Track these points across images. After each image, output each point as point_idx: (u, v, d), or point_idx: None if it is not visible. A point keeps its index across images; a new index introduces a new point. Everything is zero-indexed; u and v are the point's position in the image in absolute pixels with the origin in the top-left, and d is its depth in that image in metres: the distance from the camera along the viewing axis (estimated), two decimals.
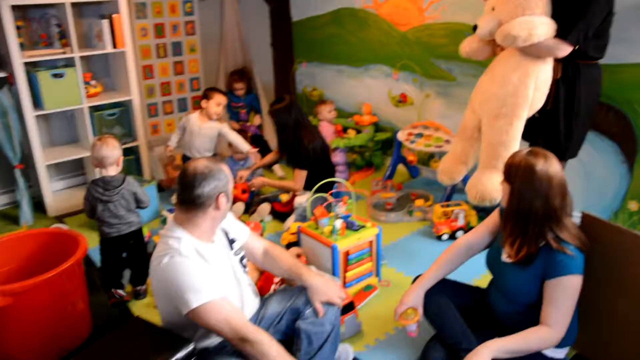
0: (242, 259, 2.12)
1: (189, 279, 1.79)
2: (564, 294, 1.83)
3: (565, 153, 2.77)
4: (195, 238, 1.90)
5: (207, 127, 3.82)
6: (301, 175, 3.49)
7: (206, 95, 3.79)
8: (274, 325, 2.10)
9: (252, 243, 2.24)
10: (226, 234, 2.10)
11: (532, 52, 2.56)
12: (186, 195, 1.87)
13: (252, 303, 2.10)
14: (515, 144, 2.70)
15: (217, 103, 3.76)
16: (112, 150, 2.65)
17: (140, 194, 2.75)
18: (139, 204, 2.78)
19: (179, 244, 1.85)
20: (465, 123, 2.98)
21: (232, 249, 2.09)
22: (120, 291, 2.75)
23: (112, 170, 2.68)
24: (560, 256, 1.82)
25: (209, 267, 1.87)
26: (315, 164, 3.50)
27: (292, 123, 3.47)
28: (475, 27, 2.71)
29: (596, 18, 2.51)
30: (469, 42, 2.90)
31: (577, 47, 2.51)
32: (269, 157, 3.96)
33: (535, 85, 2.62)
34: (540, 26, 2.44)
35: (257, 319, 2.10)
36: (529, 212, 1.85)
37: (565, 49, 2.50)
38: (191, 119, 3.83)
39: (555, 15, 2.50)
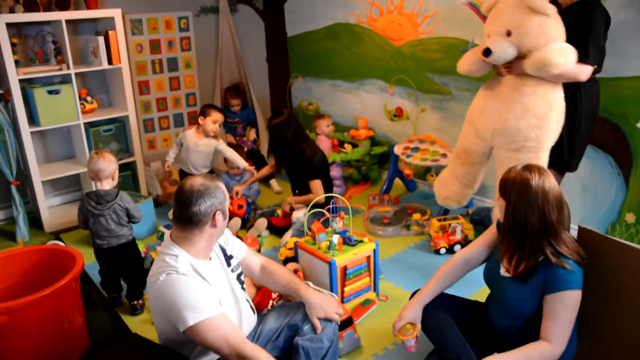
0: (239, 275, 2.11)
1: (186, 297, 1.78)
2: (564, 308, 1.82)
3: (568, 167, 2.79)
4: (191, 256, 1.89)
5: (203, 144, 3.82)
6: (318, 184, 3.49)
7: (203, 112, 3.80)
8: (272, 342, 2.08)
9: (250, 259, 2.23)
10: (223, 251, 2.09)
11: (553, 78, 2.55)
12: (183, 212, 1.86)
13: (249, 319, 2.09)
14: None
15: (214, 120, 3.76)
16: (108, 164, 2.69)
17: (132, 209, 2.77)
18: (131, 219, 2.79)
19: (176, 261, 1.84)
20: (469, 148, 2.94)
21: (229, 265, 2.07)
22: (118, 294, 2.89)
23: (107, 184, 2.71)
24: (560, 271, 1.82)
25: (206, 284, 1.86)
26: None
27: (292, 136, 3.47)
28: (487, 51, 2.62)
29: (601, 35, 2.55)
30: (471, 61, 2.84)
31: (595, 67, 2.54)
32: (265, 171, 3.97)
33: (557, 116, 2.62)
34: (572, 52, 2.46)
35: (254, 336, 2.09)
36: (525, 226, 1.85)
37: (587, 72, 2.53)
38: (187, 135, 3.83)
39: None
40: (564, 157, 2.74)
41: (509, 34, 2.58)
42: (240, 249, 2.20)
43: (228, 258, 2.09)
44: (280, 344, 2.09)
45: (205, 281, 1.86)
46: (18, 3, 3.49)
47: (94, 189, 2.75)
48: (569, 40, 2.51)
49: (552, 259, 1.83)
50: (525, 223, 1.85)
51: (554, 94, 2.61)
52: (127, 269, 2.81)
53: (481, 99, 2.89)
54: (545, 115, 2.61)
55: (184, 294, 1.78)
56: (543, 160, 2.67)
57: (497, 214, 2.83)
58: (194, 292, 1.79)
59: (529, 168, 1.87)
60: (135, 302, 2.78)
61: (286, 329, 2.09)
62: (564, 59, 2.44)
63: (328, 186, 3.57)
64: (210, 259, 1.98)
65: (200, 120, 3.78)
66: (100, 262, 2.81)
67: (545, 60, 2.46)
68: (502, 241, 1.97)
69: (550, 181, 1.85)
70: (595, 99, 2.73)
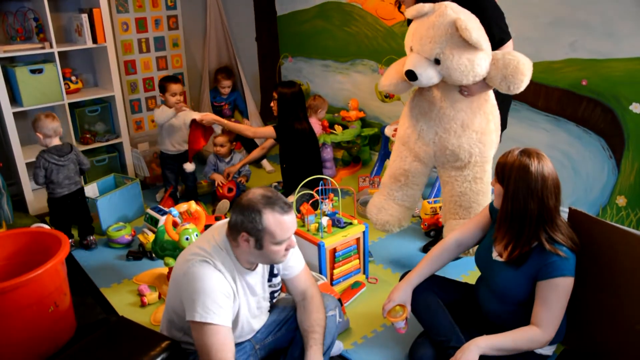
0: (274, 292, 2.03)
1: (207, 294, 1.72)
2: (556, 295, 1.82)
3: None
4: (234, 257, 1.83)
5: (182, 113, 3.72)
6: (268, 130, 3.52)
7: (161, 88, 3.68)
8: (274, 333, 2.06)
9: (299, 281, 2.05)
10: (271, 265, 1.98)
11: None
12: None
13: (258, 326, 2.04)
14: (489, 187, 2.62)
15: (172, 93, 3.65)
16: (59, 122, 3.09)
17: (82, 157, 3.21)
18: (82, 166, 3.21)
19: (218, 254, 1.80)
20: (408, 171, 2.75)
21: (270, 280, 1.99)
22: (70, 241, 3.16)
23: (58, 140, 3.10)
24: (553, 257, 1.81)
25: (232, 291, 1.80)
26: (304, 158, 3.48)
27: (290, 109, 3.46)
28: (412, 76, 2.39)
29: (497, 9, 2.50)
30: (396, 81, 2.61)
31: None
32: (255, 153, 3.92)
33: (495, 126, 2.56)
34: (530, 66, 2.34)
35: None
36: (525, 213, 1.83)
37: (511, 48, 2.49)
38: (161, 110, 3.71)
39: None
40: None
41: (437, 62, 2.34)
42: (294, 267, 2.03)
43: (272, 275, 2.00)
44: (281, 336, 2.06)
45: (235, 285, 1.82)
46: None
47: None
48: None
49: (547, 245, 1.82)
50: (524, 210, 1.82)
51: (488, 105, 2.53)
52: (79, 211, 3.24)
53: (412, 120, 2.70)
54: (485, 129, 2.52)
55: (206, 290, 1.72)
56: (488, 172, 2.61)
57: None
58: (215, 294, 1.73)
59: (527, 153, 1.84)
60: (89, 238, 3.23)
61: (290, 321, 2.05)
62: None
63: (316, 168, 3.54)
64: (254, 269, 1.90)
65: (161, 97, 3.70)
66: (56, 210, 3.18)
67: (522, 76, 2.28)
68: (499, 227, 1.95)
69: (548, 166, 1.82)
70: None
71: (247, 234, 1.74)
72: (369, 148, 4.47)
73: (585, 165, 3.13)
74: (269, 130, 3.51)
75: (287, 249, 1.81)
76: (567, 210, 2.05)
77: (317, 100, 4.30)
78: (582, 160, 3.14)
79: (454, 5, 2.33)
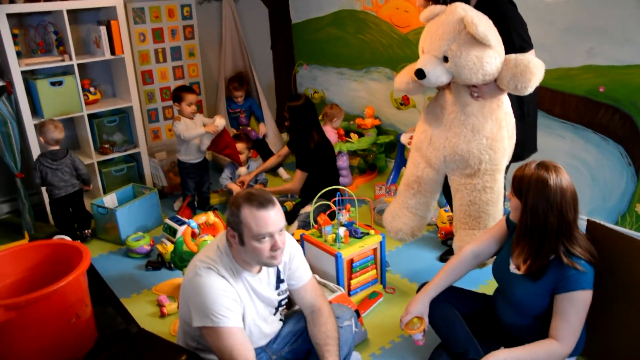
0: (282, 300, 2.04)
1: (213, 301, 1.76)
2: (574, 308, 1.81)
3: (522, 154, 2.72)
4: (234, 260, 1.87)
5: (199, 122, 3.76)
6: (302, 176, 3.49)
7: (177, 98, 3.69)
8: (290, 344, 2.07)
9: (305, 292, 2.07)
10: (278, 272, 2.01)
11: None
12: None
13: (269, 330, 2.05)
14: (501, 198, 2.59)
15: (188, 103, 3.66)
16: (63, 134, 3.34)
17: (78, 163, 3.43)
18: (79, 171, 3.42)
19: (221, 260, 1.85)
20: (421, 177, 2.74)
21: (277, 288, 2.01)
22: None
23: (57, 146, 3.34)
24: (571, 271, 1.80)
25: (237, 292, 1.84)
26: (320, 168, 3.49)
27: (304, 123, 3.47)
28: (420, 74, 2.40)
29: (517, 17, 2.48)
30: (407, 81, 2.63)
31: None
32: (272, 161, 3.94)
33: (509, 133, 2.52)
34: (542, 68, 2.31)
35: (273, 337, 2.07)
36: (545, 227, 1.82)
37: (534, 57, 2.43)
38: (183, 123, 3.72)
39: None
40: (515, 149, 2.64)
41: (446, 59, 2.34)
42: (301, 277, 2.05)
43: (279, 281, 2.02)
44: (297, 347, 2.07)
45: (237, 289, 1.85)
46: None
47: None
48: (505, 38, 2.38)
49: (564, 259, 1.81)
50: (544, 224, 1.81)
51: (500, 111, 2.48)
52: (78, 210, 3.50)
53: (425, 125, 2.70)
54: (496, 135, 2.47)
55: (213, 297, 1.77)
56: (501, 182, 2.57)
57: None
58: (222, 298, 1.78)
59: (544, 166, 1.82)
60: (85, 232, 3.55)
61: (307, 332, 2.05)
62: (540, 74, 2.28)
63: (333, 177, 3.54)
64: (257, 272, 1.93)
65: (176, 106, 3.71)
66: (57, 210, 3.44)
67: (529, 78, 2.24)
68: (517, 242, 1.93)
69: (566, 178, 1.81)
70: None
71: (231, 229, 1.82)
72: (385, 156, 4.47)
73: (604, 173, 3.10)
74: (300, 173, 3.51)
75: (273, 250, 1.81)
76: (585, 219, 2.03)
77: (334, 109, 4.30)
78: (600, 168, 3.11)
79: (464, 4, 2.35)
